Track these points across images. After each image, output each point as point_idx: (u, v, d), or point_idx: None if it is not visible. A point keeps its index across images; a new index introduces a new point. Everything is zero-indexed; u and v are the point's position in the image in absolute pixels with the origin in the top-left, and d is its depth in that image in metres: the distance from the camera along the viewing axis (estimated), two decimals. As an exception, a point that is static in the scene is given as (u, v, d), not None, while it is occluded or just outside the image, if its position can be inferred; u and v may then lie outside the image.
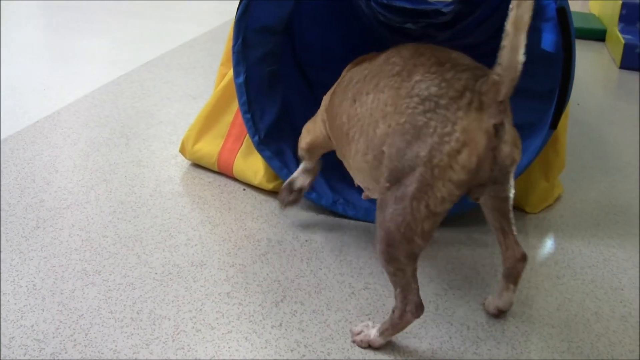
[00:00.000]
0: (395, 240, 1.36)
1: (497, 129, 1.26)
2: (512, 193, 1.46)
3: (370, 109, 1.47)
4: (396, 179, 1.34)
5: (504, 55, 1.21)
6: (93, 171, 2.29)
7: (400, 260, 1.38)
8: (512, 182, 1.42)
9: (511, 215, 1.51)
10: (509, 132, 1.29)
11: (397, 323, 1.47)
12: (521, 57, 1.20)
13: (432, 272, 1.83)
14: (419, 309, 1.43)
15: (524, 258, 1.56)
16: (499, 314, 1.65)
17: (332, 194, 2.09)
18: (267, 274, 1.78)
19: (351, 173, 1.67)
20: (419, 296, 1.43)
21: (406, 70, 1.43)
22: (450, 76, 1.34)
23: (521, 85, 2.04)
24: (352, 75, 1.64)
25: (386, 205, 1.36)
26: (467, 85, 1.30)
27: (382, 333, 1.50)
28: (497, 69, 1.24)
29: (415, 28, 3.87)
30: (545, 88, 2.00)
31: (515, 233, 1.53)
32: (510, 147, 1.30)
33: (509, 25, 1.19)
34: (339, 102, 1.65)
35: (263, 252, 1.87)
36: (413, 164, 1.30)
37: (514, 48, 1.20)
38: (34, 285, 1.70)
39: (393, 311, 1.47)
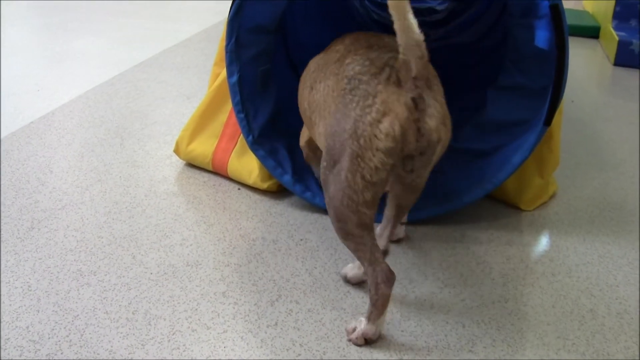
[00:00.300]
0: (343, 214, 1.40)
1: (417, 102, 1.32)
2: (423, 186, 1.49)
3: (323, 95, 1.53)
4: (331, 157, 1.40)
5: (399, 38, 1.28)
6: (88, 172, 2.28)
7: (355, 233, 1.42)
8: (428, 172, 1.46)
9: (407, 210, 1.58)
10: (434, 108, 1.35)
11: (376, 299, 1.48)
12: (417, 35, 1.27)
13: (427, 270, 1.83)
14: (389, 275, 1.46)
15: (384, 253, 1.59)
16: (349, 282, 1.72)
17: None
18: (263, 273, 1.78)
19: None
20: (385, 263, 1.46)
21: (344, 56, 1.50)
22: (374, 56, 1.42)
23: (515, 82, 2.05)
24: (311, 65, 1.71)
25: (328, 184, 1.42)
26: (387, 62, 1.38)
27: (369, 319, 1.51)
28: (400, 48, 1.30)
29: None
30: (539, 85, 2.00)
31: (395, 228, 1.62)
32: (435, 122, 1.35)
33: (391, 10, 1.25)
34: (301, 89, 1.72)
35: (258, 252, 1.87)
36: (342, 139, 1.37)
37: (403, 30, 1.26)
38: (29, 286, 1.70)
39: (370, 290, 1.48)
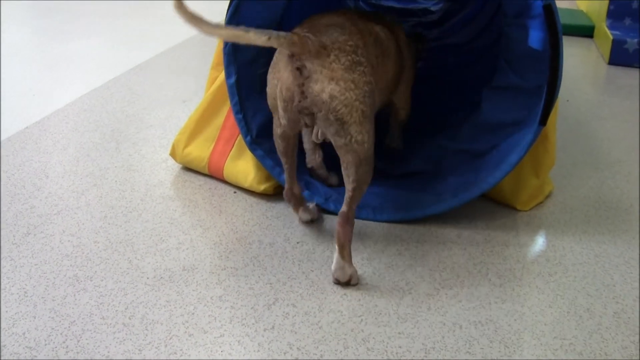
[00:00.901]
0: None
1: (301, 71, 1.66)
2: (356, 148, 1.72)
3: None
4: None
5: None
6: (83, 176, 2.28)
7: (280, 157, 1.94)
8: (354, 137, 1.71)
9: (351, 178, 1.75)
10: (322, 74, 1.66)
11: None
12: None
13: (424, 271, 1.83)
14: (285, 192, 2.00)
15: (340, 216, 1.75)
16: (337, 282, 1.78)
17: (324, 190, 2.09)
18: (259, 277, 1.78)
19: None
20: (287, 184, 1.98)
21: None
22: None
23: (509, 82, 2.05)
24: None
25: None
26: None
27: None
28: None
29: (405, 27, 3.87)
30: (533, 85, 2.01)
31: (350, 194, 1.76)
32: (321, 85, 1.66)
33: None
34: None
35: (254, 255, 1.87)
36: None
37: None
38: (25, 292, 1.69)
39: None
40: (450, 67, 3.12)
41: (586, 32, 4.41)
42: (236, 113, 2.06)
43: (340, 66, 1.67)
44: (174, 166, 2.36)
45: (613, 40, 3.83)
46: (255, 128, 2.08)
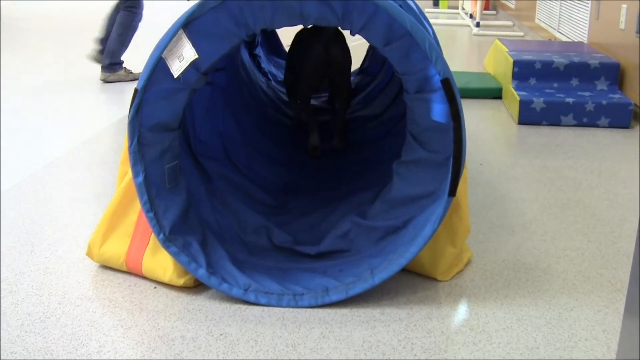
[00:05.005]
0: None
1: (327, 46, 2.99)
2: (345, 88, 3.20)
3: None
4: None
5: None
6: (-2, 284, 2.22)
7: (301, 101, 3.18)
8: (347, 85, 3.21)
9: (343, 100, 3.20)
10: (336, 49, 3.03)
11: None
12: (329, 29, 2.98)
13: (350, 353, 1.82)
14: (309, 131, 3.22)
15: (337, 122, 3.25)
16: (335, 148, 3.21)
17: (243, 279, 2.06)
18: (183, 375, 1.74)
19: None
20: (309, 124, 3.21)
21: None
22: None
23: (417, 156, 2.09)
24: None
25: None
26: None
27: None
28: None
29: (318, 103, 3.94)
30: (442, 157, 2.04)
31: (343, 111, 3.23)
32: (335, 53, 3.02)
33: None
34: None
35: (178, 352, 1.84)
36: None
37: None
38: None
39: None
40: (364, 141, 3.17)
41: (495, 93, 4.54)
42: (146, 212, 2.04)
43: (342, 45, 3.05)
44: (92, 265, 2.32)
45: (520, 101, 3.94)
46: (168, 225, 2.06)
